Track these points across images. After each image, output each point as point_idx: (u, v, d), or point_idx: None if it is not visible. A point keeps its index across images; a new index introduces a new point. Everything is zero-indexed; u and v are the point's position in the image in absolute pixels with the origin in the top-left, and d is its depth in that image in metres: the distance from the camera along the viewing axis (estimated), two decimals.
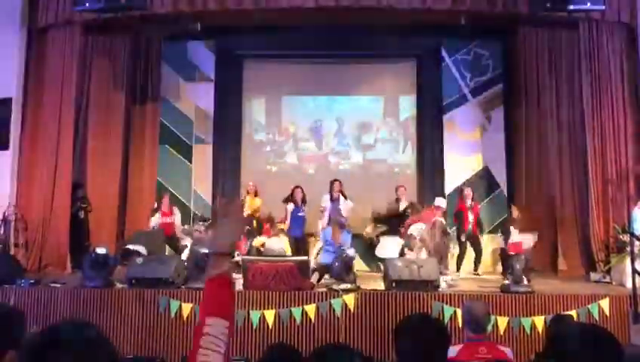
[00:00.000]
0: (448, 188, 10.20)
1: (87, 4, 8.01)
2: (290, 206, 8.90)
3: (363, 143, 11.05)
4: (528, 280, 6.72)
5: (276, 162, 11.10)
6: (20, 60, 8.95)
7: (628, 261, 6.77)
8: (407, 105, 11.07)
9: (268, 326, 6.15)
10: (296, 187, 9.13)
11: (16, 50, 8.91)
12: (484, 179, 10.31)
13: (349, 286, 6.44)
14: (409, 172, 10.85)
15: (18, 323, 2.44)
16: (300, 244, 8.84)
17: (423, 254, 7.62)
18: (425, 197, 9.99)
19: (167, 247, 9.05)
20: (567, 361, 1.93)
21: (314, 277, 7.15)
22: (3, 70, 8.80)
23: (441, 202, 8.48)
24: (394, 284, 6.45)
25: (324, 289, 6.49)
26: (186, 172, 10.52)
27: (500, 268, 8.82)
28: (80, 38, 9.05)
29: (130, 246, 8.12)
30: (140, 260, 6.82)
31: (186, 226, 9.19)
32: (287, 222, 8.85)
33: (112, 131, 9.69)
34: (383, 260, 7.87)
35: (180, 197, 10.18)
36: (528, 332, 6.09)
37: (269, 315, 6.18)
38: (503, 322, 6.09)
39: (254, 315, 6.17)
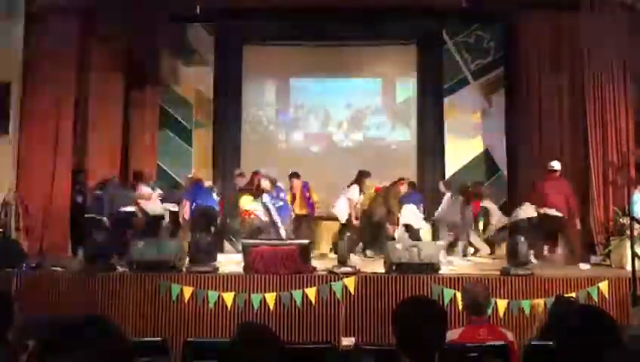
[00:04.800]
0: (449, 170, 10.20)
1: None
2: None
3: (364, 124, 11.06)
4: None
5: (280, 142, 11.13)
6: (18, 44, 8.89)
7: (628, 244, 6.79)
8: (409, 88, 11.06)
9: (269, 309, 6.18)
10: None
11: (14, 33, 8.86)
12: (485, 162, 10.30)
13: (349, 269, 6.46)
14: (408, 151, 10.85)
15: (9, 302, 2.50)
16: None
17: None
18: (425, 179, 10.01)
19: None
20: (567, 342, 1.94)
21: None
22: (1, 54, 8.75)
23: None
24: (394, 267, 6.48)
25: (325, 273, 6.52)
26: (187, 156, 10.51)
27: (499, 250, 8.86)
28: (78, 22, 9.00)
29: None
30: (141, 244, 6.83)
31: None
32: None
33: (111, 115, 9.66)
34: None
35: (180, 181, 10.15)
36: (527, 314, 6.12)
37: (270, 298, 6.21)
38: (502, 304, 6.12)
39: (255, 298, 6.20)
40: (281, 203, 8.53)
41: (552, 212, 8.10)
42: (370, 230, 8.80)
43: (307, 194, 9.01)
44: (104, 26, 9.60)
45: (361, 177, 8.80)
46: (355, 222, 8.73)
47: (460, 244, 8.38)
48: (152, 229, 8.11)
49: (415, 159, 10.76)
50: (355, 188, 8.73)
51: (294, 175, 9.11)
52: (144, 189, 8.39)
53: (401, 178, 9.16)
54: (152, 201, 8.36)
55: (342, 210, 8.67)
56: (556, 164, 8.34)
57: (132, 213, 8.12)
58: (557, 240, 8.26)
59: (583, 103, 8.68)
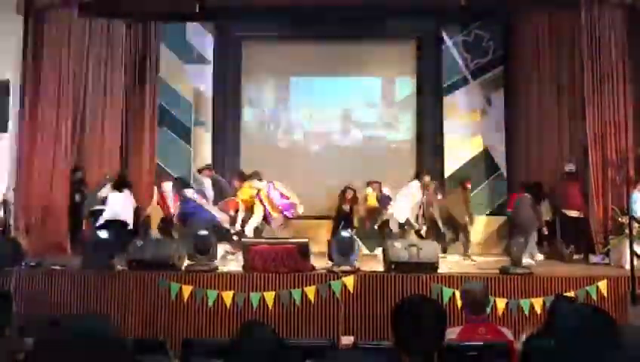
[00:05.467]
0: (448, 169, 10.20)
1: None
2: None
3: (364, 123, 11.05)
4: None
5: (279, 141, 11.11)
6: (17, 42, 8.89)
7: (627, 243, 6.79)
8: (408, 87, 11.04)
9: (268, 308, 6.18)
10: None
11: (13, 32, 8.85)
12: (484, 162, 10.30)
13: (348, 268, 6.46)
14: (407, 150, 10.85)
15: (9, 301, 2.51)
16: None
17: None
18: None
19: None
20: (567, 341, 1.94)
21: None
22: (1, 52, 8.74)
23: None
24: (393, 266, 6.48)
25: (324, 271, 6.52)
26: (186, 155, 10.50)
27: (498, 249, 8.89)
28: (78, 19, 9.00)
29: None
30: (139, 243, 6.83)
31: None
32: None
33: (110, 114, 9.65)
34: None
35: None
36: (527, 313, 6.13)
37: (269, 297, 6.21)
38: (501, 303, 6.13)
39: (254, 297, 6.21)
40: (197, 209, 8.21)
41: (573, 213, 8.36)
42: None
43: (272, 195, 8.43)
44: (103, 23, 9.60)
45: (421, 175, 8.79)
46: (421, 221, 8.62)
47: (529, 245, 8.16)
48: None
49: (414, 158, 10.75)
50: (417, 184, 8.66)
51: (239, 175, 8.83)
52: (103, 191, 8.40)
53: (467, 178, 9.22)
54: (117, 205, 8.23)
55: (402, 210, 8.57)
56: (573, 166, 8.57)
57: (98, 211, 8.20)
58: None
59: (583, 102, 8.66)
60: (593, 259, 8.02)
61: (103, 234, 6.97)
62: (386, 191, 9.34)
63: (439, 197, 9.01)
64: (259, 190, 8.46)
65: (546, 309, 5.54)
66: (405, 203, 8.61)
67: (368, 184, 9.52)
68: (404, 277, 6.30)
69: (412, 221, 8.67)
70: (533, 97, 9.57)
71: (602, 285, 6.28)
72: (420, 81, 10.87)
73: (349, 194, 9.34)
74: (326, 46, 10.88)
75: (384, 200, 9.22)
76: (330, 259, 6.69)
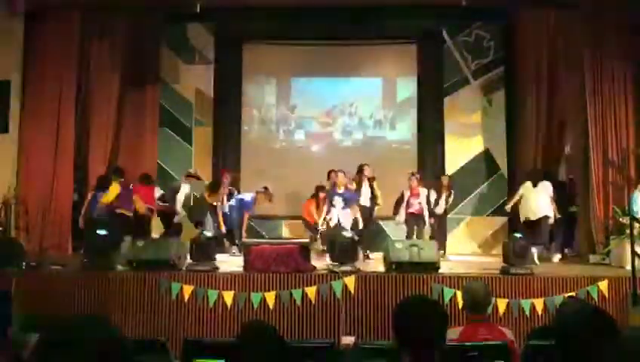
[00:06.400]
0: (449, 170, 10.19)
1: None
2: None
3: (365, 123, 11.05)
4: None
5: (280, 142, 11.12)
6: (17, 42, 8.90)
7: (627, 243, 6.79)
8: (408, 87, 11.04)
9: (269, 308, 6.18)
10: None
11: (14, 32, 8.85)
12: (485, 162, 10.30)
13: (349, 268, 6.46)
14: (408, 150, 10.86)
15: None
16: None
17: None
18: (425, 179, 10.02)
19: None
20: (567, 342, 1.94)
21: None
22: (1, 52, 8.75)
23: None
24: (394, 267, 6.48)
25: (325, 271, 6.52)
26: (187, 155, 10.51)
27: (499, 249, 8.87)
28: (78, 19, 9.00)
29: None
30: (140, 243, 6.83)
31: None
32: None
33: (111, 114, 9.65)
34: None
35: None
36: (527, 314, 6.12)
37: (270, 297, 6.21)
38: (502, 304, 6.12)
39: (255, 297, 6.21)
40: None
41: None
42: None
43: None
44: (104, 24, 9.60)
45: (545, 175, 8.84)
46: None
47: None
48: None
49: (415, 158, 10.76)
50: (550, 185, 8.59)
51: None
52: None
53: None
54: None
55: (547, 208, 8.44)
56: None
57: None
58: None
59: (583, 103, 8.66)
60: (593, 259, 8.02)
61: (103, 233, 6.97)
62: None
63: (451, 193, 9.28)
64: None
65: (550, 311, 5.59)
66: (549, 202, 8.59)
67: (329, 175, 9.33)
68: (404, 277, 6.30)
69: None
70: (534, 97, 9.57)
71: (603, 285, 6.27)
72: (421, 81, 10.88)
73: (367, 171, 8.91)
74: (326, 46, 10.90)
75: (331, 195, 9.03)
76: (331, 258, 6.69)
